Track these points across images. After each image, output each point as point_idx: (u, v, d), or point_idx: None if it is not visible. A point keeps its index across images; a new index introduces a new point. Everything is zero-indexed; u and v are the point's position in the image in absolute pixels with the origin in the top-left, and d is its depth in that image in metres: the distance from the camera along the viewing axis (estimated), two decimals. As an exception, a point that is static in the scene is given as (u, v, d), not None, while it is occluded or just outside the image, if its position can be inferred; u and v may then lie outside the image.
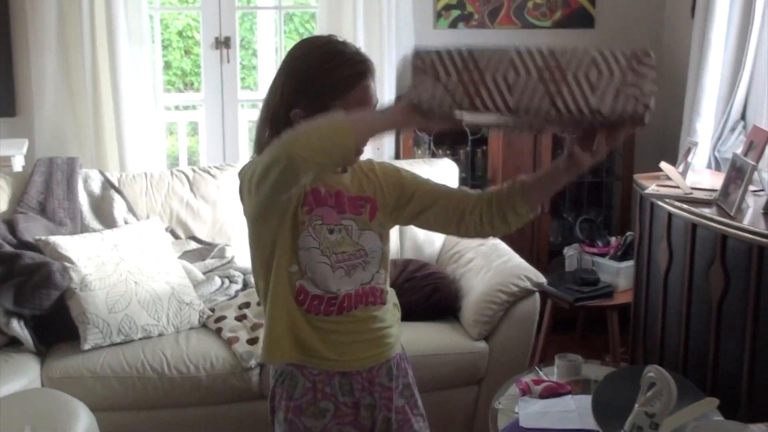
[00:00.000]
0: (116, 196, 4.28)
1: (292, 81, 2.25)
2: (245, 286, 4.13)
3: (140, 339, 3.77)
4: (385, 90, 4.95)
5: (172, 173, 4.45)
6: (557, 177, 2.24)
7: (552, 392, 3.23)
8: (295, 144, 1.98)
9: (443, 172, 4.53)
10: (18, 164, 4.60)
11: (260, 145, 2.30)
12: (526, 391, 3.25)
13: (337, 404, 2.42)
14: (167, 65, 7.92)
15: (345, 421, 2.43)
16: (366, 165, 2.44)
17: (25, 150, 4.63)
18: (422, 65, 1.92)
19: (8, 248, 3.85)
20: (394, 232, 4.32)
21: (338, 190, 2.34)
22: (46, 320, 3.74)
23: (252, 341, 3.72)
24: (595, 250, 4.69)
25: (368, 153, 4.64)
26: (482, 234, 2.42)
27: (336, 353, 2.40)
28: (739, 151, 3.84)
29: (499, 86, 1.86)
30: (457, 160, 4.78)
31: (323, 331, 2.37)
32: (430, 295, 3.98)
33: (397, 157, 5.04)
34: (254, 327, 3.78)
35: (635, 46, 1.83)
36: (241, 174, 2.24)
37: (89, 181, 4.34)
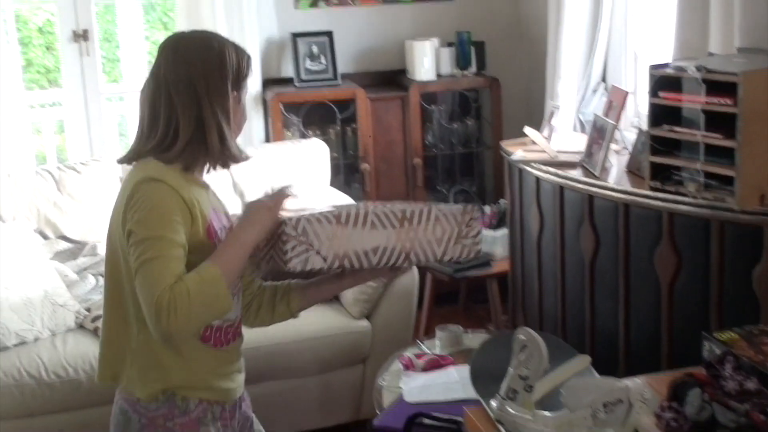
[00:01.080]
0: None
1: (192, 83, 2.16)
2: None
3: (15, 345, 3.65)
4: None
5: (36, 172, 4.32)
6: (340, 285, 2.51)
7: (435, 365, 3.26)
8: (186, 325, 1.99)
9: (313, 152, 4.52)
10: None
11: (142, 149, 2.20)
12: (409, 366, 3.27)
13: None
14: (29, 63, 7.69)
15: None
16: None
17: None
18: (294, 232, 2.17)
19: None
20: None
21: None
22: None
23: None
24: (471, 220, 4.73)
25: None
26: (247, 322, 2.48)
27: (236, 382, 2.32)
28: (600, 112, 3.92)
29: (366, 249, 2.20)
30: (327, 140, 4.76)
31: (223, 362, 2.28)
32: (307, 276, 3.95)
33: (267, 139, 5.00)
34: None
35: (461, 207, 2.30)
36: (129, 198, 2.10)
37: (-49, 186, 4.19)
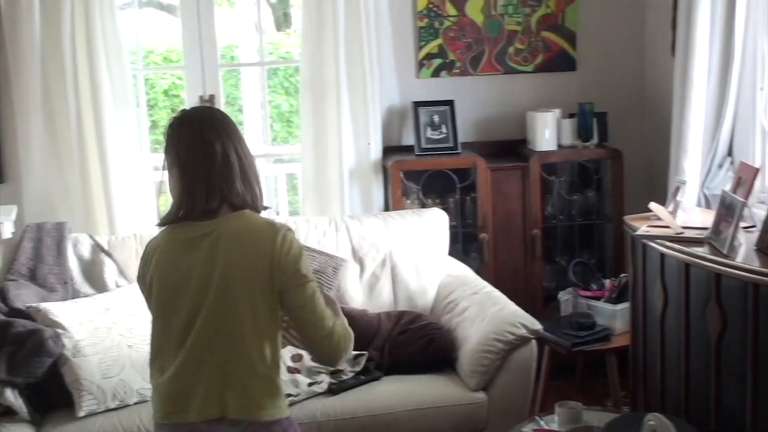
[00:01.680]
0: (106, 260, 4.25)
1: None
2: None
3: (136, 403, 3.71)
4: (371, 139, 4.99)
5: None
6: None
7: (554, 441, 3.20)
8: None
9: (433, 221, 4.53)
10: (7, 231, 4.56)
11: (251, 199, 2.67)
12: (527, 442, 3.22)
13: None
14: (154, 125, 7.92)
15: None
16: None
17: (14, 216, 4.60)
18: None
19: (0, 316, 3.82)
20: (387, 283, 4.32)
21: None
22: (39, 388, 3.69)
23: (248, 401, 3.67)
24: (589, 293, 4.66)
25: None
26: None
27: None
28: (727, 188, 3.83)
29: None
30: (446, 209, 4.76)
31: None
32: (426, 346, 3.95)
33: (386, 207, 5.04)
34: (250, 386, 3.74)
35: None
36: (280, 243, 2.57)
37: (79, 245, 4.31)
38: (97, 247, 4.31)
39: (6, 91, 4.86)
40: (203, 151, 2.61)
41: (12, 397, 3.64)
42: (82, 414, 3.59)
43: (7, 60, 4.79)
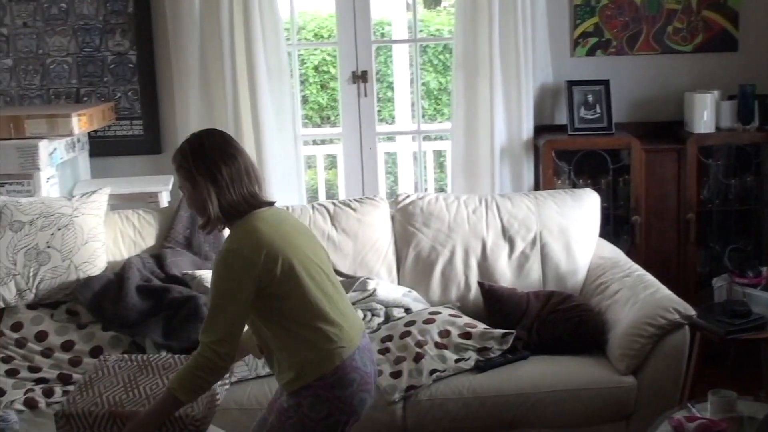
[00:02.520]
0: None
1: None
2: (387, 319, 4.12)
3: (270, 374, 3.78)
4: (523, 119, 4.95)
5: (313, 207, 4.49)
6: None
7: (707, 430, 3.11)
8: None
9: (585, 202, 4.45)
10: (164, 200, 4.72)
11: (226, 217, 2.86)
12: (679, 429, 3.14)
13: None
14: (304, 100, 8.04)
15: None
16: None
17: (170, 186, 4.75)
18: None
19: (157, 283, 3.95)
20: (536, 263, 4.28)
21: None
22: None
23: (395, 374, 3.70)
24: (745, 280, 4.51)
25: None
26: None
27: None
28: None
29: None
30: (597, 190, 4.68)
31: None
32: (575, 328, 3.90)
33: (537, 186, 4.99)
34: (397, 360, 3.77)
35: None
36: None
37: (233, 215, 4.41)
38: (251, 218, 4.40)
39: (165, 64, 5.02)
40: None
41: (168, 360, 3.76)
42: (233, 380, 3.67)
43: (167, 34, 4.94)
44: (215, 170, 2.79)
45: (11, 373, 3.71)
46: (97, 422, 2.88)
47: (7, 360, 3.76)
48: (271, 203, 2.96)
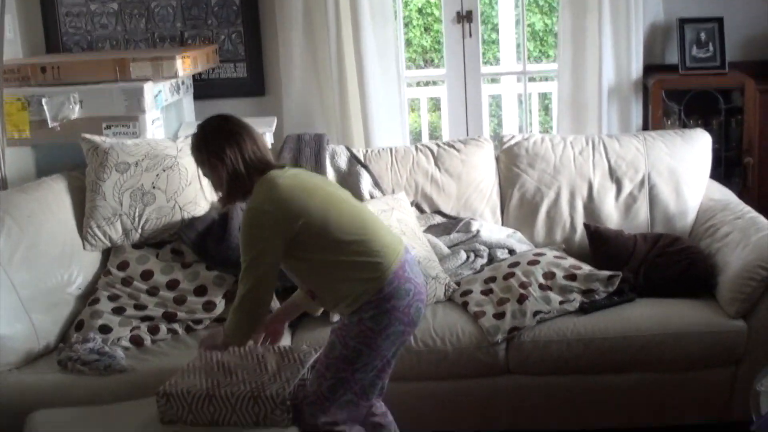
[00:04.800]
0: (362, 171, 4.33)
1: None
2: (491, 260, 4.09)
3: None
4: (632, 58, 4.83)
5: (416, 148, 4.47)
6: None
7: (820, 375, 3.02)
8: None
9: (696, 143, 4.33)
10: (268, 141, 4.73)
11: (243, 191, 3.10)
12: (791, 374, 3.05)
13: None
14: (407, 42, 7.98)
15: None
16: None
17: (274, 127, 4.77)
18: None
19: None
20: (644, 205, 4.19)
21: None
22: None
23: (498, 315, 3.68)
24: None
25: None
26: None
27: None
28: None
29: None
30: (710, 130, 4.54)
31: None
32: (684, 270, 3.81)
33: (645, 127, 4.87)
34: (501, 301, 3.73)
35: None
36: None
37: (336, 157, 4.42)
38: (354, 159, 4.41)
39: (269, 6, 5.02)
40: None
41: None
42: (335, 319, 3.69)
43: (271, -23, 4.94)
44: (220, 151, 3.05)
45: (118, 311, 3.78)
46: (195, 402, 2.98)
47: (113, 298, 3.83)
48: (282, 166, 3.14)
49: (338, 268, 2.98)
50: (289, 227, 2.95)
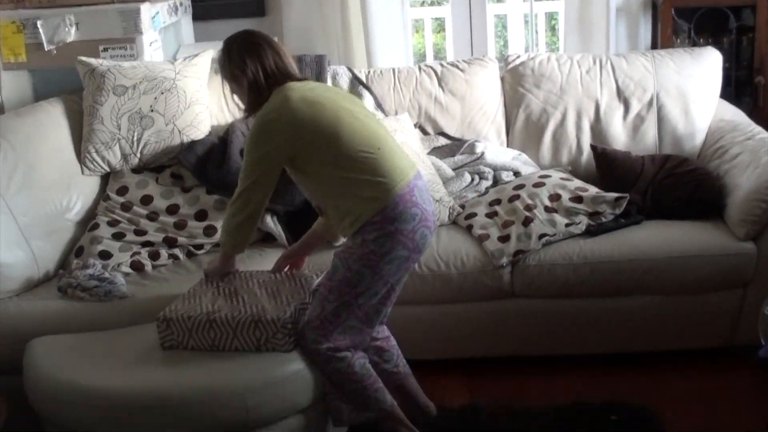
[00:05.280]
0: (365, 92, 4.25)
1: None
2: (495, 182, 4.03)
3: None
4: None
5: (419, 68, 4.38)
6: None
7: (831, 297, 2.98)
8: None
9: (705, 61, 4.22)
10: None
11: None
12: (801, 296, 3.00)
13: None
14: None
15: None
16: None
17: (274, 48, 4.67)
18: None
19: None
20: (652, 126, 4.11)
21: None
22: (298, 216, 3.77)
23: (503, 239, 3.62)
24: None
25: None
26: None
27: None
28: None
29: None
30: (720, 49, 4.42)
31: None
32: (692, 192, 3.74)
33: (654, 46, 4.77)
34: (505, 224, 3.68)
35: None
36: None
37: (338, 77, 4.33)
38: (356, 80, 4.32)
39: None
40: None
41: (272, 223, 3.76)
42: (337, 244, 3.64)
43: None
44: (241, 62, 3.04)
45: (118, 236, 3.74)
46: (195, 326, 2.95)
47: (113, 223, 3.78)
48: (303, 79, 3.11)
49: (343, 184, 2.91)
50: (295, 137, 2.91)
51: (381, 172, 2.88)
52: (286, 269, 3.32)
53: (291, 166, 3.00)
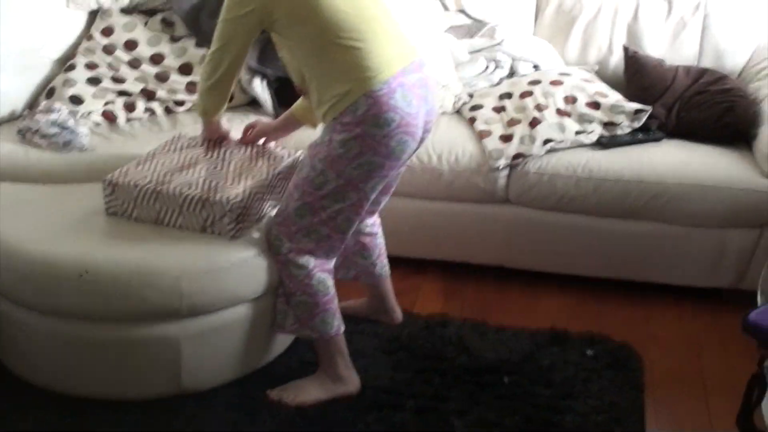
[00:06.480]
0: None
1: None
2: (512, 73, 3.67)
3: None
4: None
5: (453, -65, 3.98)
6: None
7: None
8: None
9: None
10: None
11: None
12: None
13: None
14: None
15: None
16: None
17: None
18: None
19: None
20: (694, 33, 3.70)
21: None
22: (287, 84, 3.45)
23: (506, 138, 3.30)
24: None
25: None
26: None
27: None
28: None
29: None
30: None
31: None
32: (722, 114, 3.35)
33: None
34: (511, 122, 3.34)
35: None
36: None
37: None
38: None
39: None
40: None
41: (259, 88, 3.49)
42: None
43: None
44: None
45: (93, 81, 3.46)
46: (141, 196, 2.69)
47: (91, 67, 3.50)
48: None
49: (320, 67, 2.55)
50: (273, 3, 2.53)
51: (358, 64, 2.48)
52: (258, 141, 3.01)
53: (271, 30, 2.62)
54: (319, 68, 2.54)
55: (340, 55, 2.49)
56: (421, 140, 2.64)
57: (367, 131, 2.48)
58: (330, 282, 2.74)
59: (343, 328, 2.79)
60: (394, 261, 3.18)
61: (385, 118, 2.48)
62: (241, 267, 2.64)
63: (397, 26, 2.62)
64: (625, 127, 3.32)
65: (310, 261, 2.69)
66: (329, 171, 2.55)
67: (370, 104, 2.47)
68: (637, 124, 3.33)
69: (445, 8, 3.89)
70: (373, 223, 3.01)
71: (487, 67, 3.67)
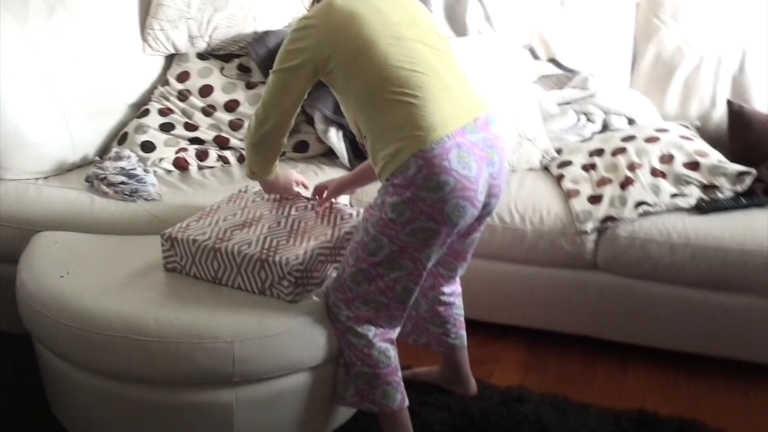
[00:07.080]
0: (472, 1, 3.70)
1: None
2: (605, 128, 3.45)
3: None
4: None
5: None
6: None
7: None
8: None
9: None
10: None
11: None
12: None
13: None
14: None
15: None
16: None
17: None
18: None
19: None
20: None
21: None
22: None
23: (594, 199, 3.07)
24: None
25: None
26: None
27: None
28: None
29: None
30: None
31: None
32: None
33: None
34: (601, 182, 3.12)
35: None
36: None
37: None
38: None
39: None
40: None
41: (335, 138, 3.35)
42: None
43: None
44: None
45: (166, 127, 3.36)
46: (199, 253, 2.55)
47: (164, 112, 3.40)
48: None
49: (372, 122, 2.39)
50: (323, 46, 2.40)
51: (411, 122, 2.30)
52: (328, 201, 2.84)
53: (328, 83, 2.48)
54: (372, 124, 2.37)
55: (392, 111, 2.32)
56: (488, 205, 2.42)
57: (418, 195, 2.28)
58: (392, 352, 2.55)
59: (407, 403, 2.59)
60: (473, 326, 2.99)
61: (438, 181, 2.27)
62: (297, 333, 2.46)
63: (463, 80, 2.43)
64: (726, 191, 3.05)
65: (371, 329, 2.50)
66: (382, 237, 2.36)
67: (420, 165, 2.26)
68: (741, 189, 3.06)
69: (535, 57, 3.70)
70: (452, 293, 2.81)
71: (578, 121, 3.45)
